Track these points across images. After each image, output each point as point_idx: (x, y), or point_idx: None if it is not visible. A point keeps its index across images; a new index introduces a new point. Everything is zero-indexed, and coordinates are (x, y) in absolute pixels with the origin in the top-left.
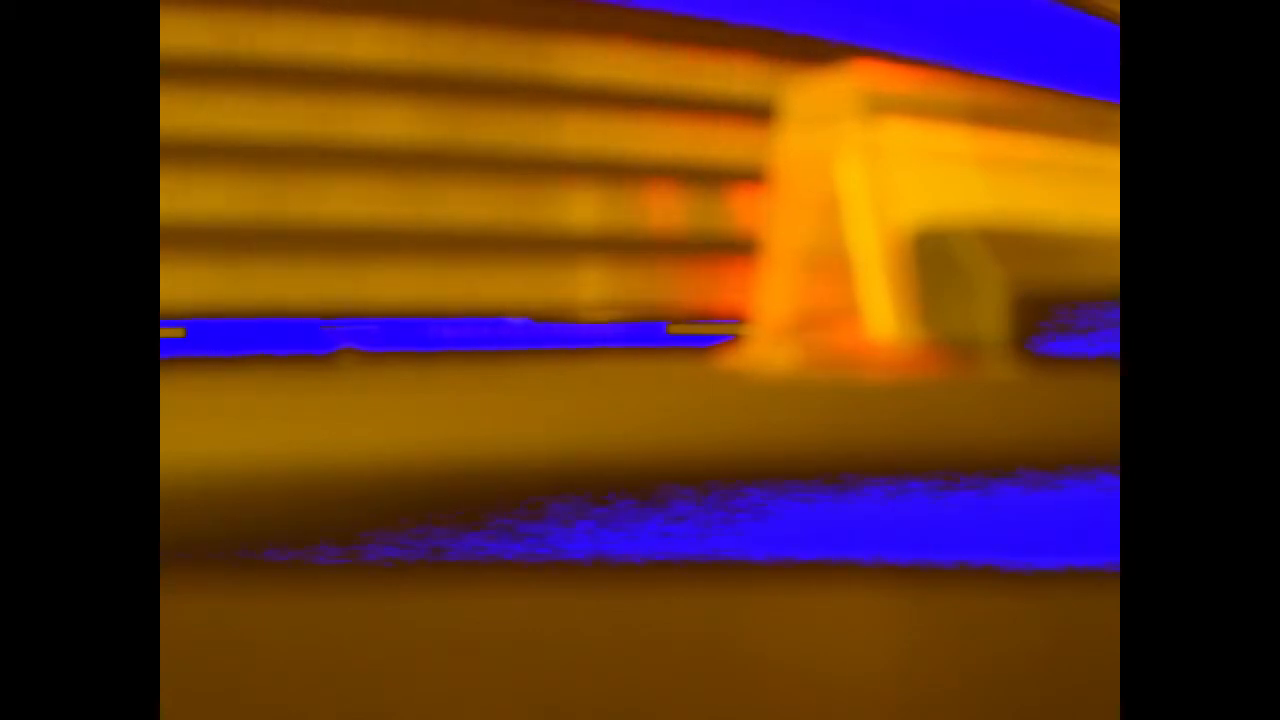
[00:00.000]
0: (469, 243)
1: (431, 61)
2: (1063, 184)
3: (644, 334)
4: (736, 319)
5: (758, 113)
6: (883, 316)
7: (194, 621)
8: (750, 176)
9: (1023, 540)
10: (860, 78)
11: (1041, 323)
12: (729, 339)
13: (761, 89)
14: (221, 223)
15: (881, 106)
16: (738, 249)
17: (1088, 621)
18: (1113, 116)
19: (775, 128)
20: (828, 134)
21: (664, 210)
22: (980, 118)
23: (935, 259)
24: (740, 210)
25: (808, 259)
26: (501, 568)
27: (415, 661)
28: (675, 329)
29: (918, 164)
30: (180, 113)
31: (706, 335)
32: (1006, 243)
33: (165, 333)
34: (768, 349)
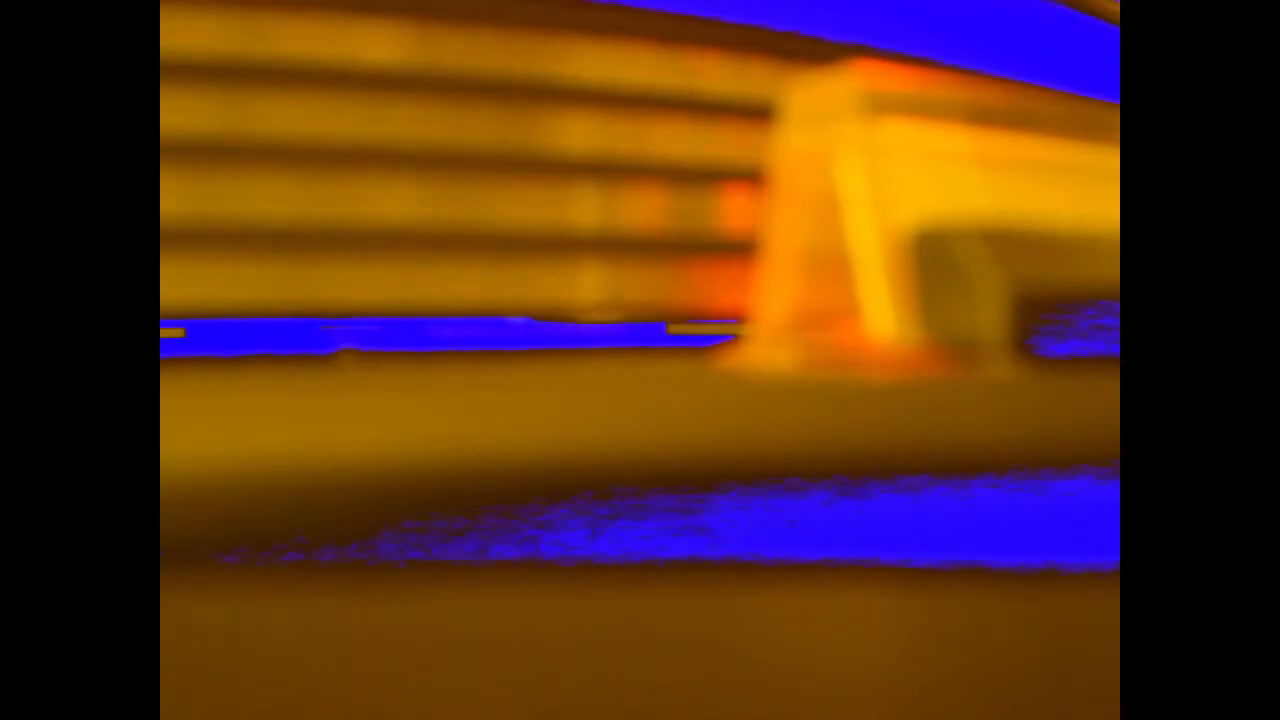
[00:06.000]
0: (469, 243)
1: (431, 62)
2: (1063, 184)
3: (644, 334)
4: (736, 319)
5: (758, 113)
6: (883, 316)
7: (194, 621)
8: (750, 176)
9: (1022, 540)
10: (860, 78)
11: (1041, 323)
12: (729, 339)
13: (761, 89)
14: (221, 223)
15: (881, 106)
16: (738, 249)
17: (1088, 621)
18: (1113, 116)
19: (775, 128)
20: (828, 134)
21: (664, 210)
22: (980, 118)
23: (935, 259)
24: (740, 210)
25: (808, 259)
26: (501, 568)
27: (415, 661)
28: (675, 329)
29: (918, 164)
30: (181, 112)
31: (706, 335)
32: (1006, 243)
33: (165, 333)
34: (768, 349)
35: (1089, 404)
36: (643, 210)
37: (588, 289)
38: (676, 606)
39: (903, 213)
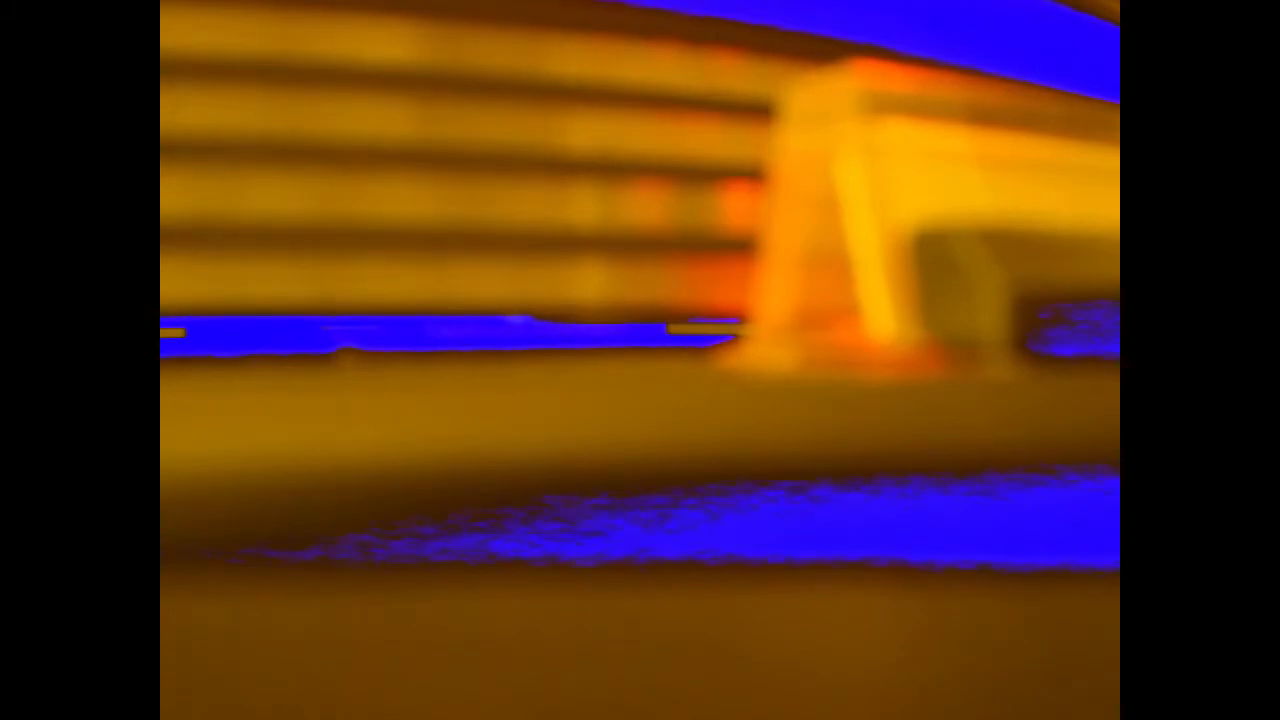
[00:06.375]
0: (469, 242)
1: (431, 61)
2: (1063, 184)
3: (644, 334)
4: (736, 319)
5: (758, 113)
6: (883, 316)
7: (194, 621)
8: (750, 176)
9: (1023, 540)
10: (860, 78)
11: (1041, 323)
12: (729, 339)
13: (761, 89)
14: (222, 222)
15: (881, 106)
16: (738, 249)
17: (1088, 621)
18: (1113, 116)
19: (775, 128)
20: (828, 134)
21: (664, 210)
22: (980, 118)
23: (935, 259)
24: (740, 210)
25: (808, 259)
26: (501, 568)
27: (415, 661)
28: (675, 329)
29: (918, 164)
30: (181, 112)
31: (706, 335)
32: (1006, 243)
33: (165, 333)
34: (768, 349)
35: (1089, 404)
36: (643, 210)
37: (588, 289)
38: (676, 606)
39: (903, 213)
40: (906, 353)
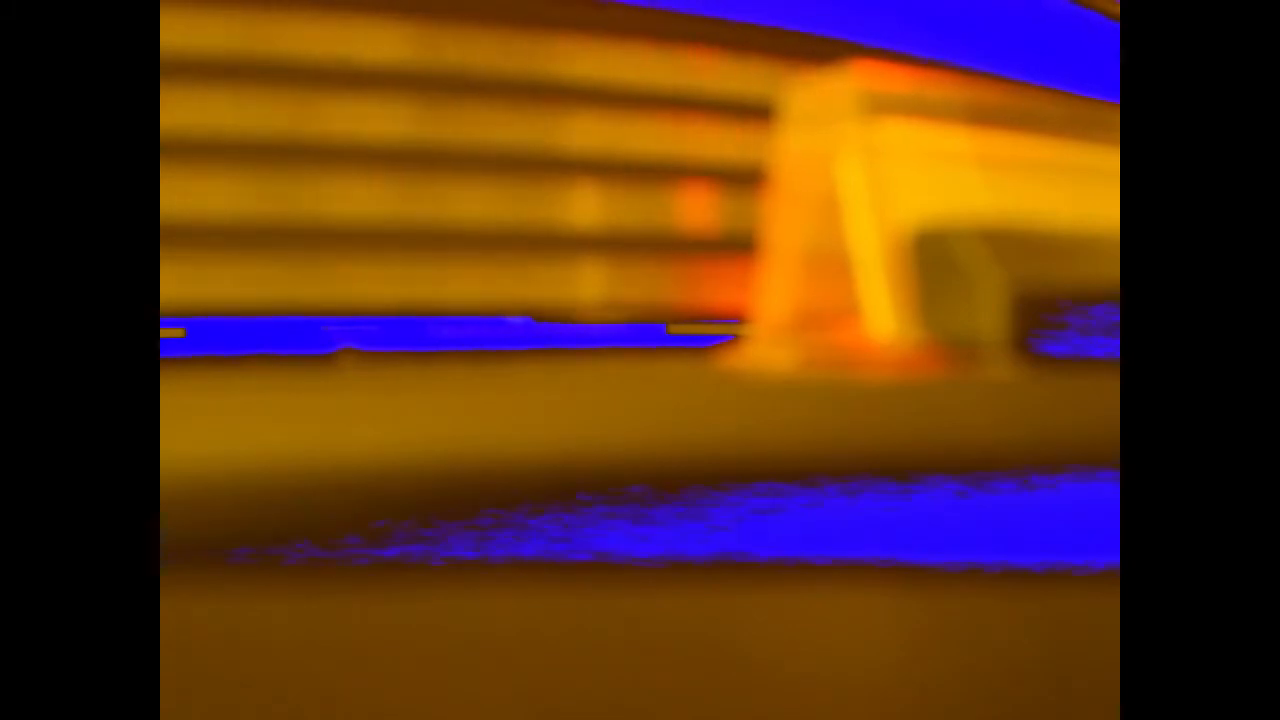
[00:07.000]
0: (469, 242)
1: (431, 60)
2: (1063, 184)
3: (644, 334)
4: (736, 319)
5: (758, 113)
6: (883, 316)
7: (194, 621)
8: (750, 176)
9: (1023, 540)
10: (860, 78)
11: (1041, 323)
12: (729, 339)
13: (761, 89)
14: (221, 222)
15: (881, 106)
16: (737, 249)
17: (1088, 621)
18: (1113, 116)
19: (775, 128)
20: (828, 134)
21: (663, 210)
22: (980, 118)
23: (935, 259)
24: (740, 210)
25: (808, 259)
26: (501, 568)
27: (415, 661)
28: (675, 329)
29: (918, 164)
30: (180, 111)
31: (706, 335)
32: (1006, 243)
33: (165, 333)
34: (768, 349)
35: (1089, 404)
36: (643, 210)
37: (588, 289)
38: (676, 606)
39: (903, 213)
40: (906, 353)
